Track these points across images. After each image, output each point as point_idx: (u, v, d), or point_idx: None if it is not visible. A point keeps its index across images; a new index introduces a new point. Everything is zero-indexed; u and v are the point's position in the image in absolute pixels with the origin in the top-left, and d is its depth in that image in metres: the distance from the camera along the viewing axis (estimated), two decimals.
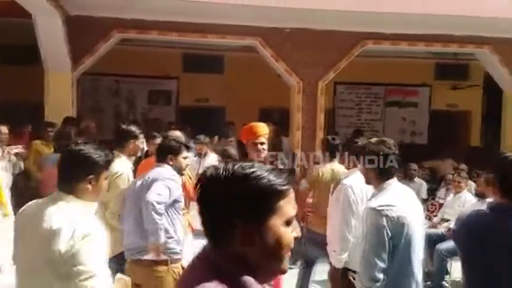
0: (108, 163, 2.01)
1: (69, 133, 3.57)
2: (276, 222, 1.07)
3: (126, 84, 9.76)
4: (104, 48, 6.91)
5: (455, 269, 5.06)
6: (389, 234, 2.22)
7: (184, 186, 3.70)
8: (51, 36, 6.24)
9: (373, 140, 2.54)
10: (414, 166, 7.35)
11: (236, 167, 1.09)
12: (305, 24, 7.06)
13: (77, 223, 1.79)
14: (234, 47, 8.43)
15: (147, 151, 4.88)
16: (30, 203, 2.05)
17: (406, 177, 7.39)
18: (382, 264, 2.20)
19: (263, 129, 3.37)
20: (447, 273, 4.99)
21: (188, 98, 9.78)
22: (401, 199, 2.36)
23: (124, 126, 3.81)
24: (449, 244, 4.87)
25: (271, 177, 1.08)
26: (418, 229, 2.34)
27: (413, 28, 7.16)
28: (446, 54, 9.07)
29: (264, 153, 3.37)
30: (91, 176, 1.91)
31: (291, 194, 1.11)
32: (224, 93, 9.32)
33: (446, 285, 4.95)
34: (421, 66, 10.19)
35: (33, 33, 6.17)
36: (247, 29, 6.96)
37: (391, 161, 2.39)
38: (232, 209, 1.04)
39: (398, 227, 2.24)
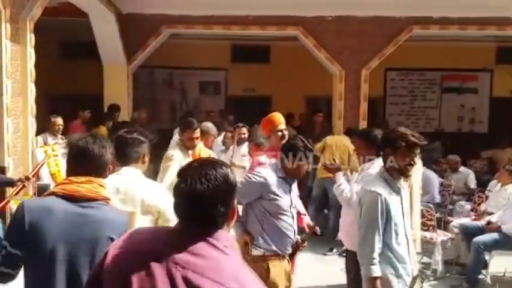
0: (150, 142, 2.54)
1: None
2: None
3: (179, 76, 10.22)
4: (155, 43, 7.35)
5: (496, 263, 4.88)
6: None
7: None
8: (106, 33, 6.79)
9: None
10: (455, 158, 7.05)
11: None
12: (347, 11, 6.99)
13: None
14: (279, 37, 8.51)
15: None
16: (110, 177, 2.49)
17: (450, 169, 7.14)
18: None
19: (280, 118, 3.68)
20: (485, 267, 4.82)
21: (236, 88, 10.05)
22: None
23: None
24: (487, 237, 4.72)
25: None
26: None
27: (465, 11, 6.81)
28: (508, 37, 8.46)
29: (286, 139, 3.53)
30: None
31: None
32: (270, 83, 9.46)
33: (484, 278, 4.79)
34: (480, 49, 9.61)
35: (90, 31, 6.74)
36: (288, 19, 7.05)
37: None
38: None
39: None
